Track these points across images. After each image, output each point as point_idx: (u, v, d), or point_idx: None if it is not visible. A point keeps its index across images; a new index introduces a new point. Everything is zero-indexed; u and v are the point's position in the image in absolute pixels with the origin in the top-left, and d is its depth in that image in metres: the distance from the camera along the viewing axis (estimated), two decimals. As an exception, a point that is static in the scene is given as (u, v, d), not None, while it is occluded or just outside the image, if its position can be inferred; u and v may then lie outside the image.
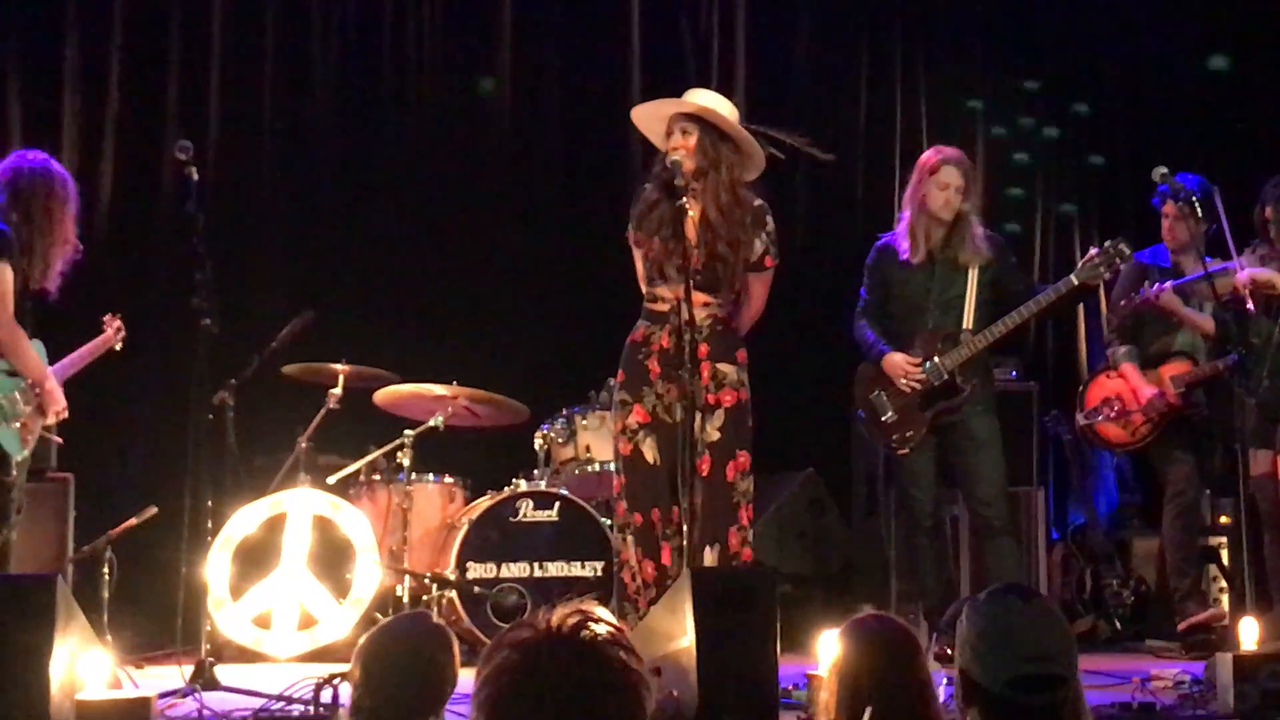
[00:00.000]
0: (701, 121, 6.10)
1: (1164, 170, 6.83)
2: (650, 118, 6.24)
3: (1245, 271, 6.93)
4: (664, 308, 6.10)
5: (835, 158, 6.51)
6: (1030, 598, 3.19)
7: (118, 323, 7.21)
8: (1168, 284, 7.41)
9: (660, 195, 6.08)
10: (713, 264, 6.07)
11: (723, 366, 6.12)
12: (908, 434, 7.15)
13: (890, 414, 7.17)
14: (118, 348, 7.22)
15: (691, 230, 5.96)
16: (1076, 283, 6.93)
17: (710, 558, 5.90)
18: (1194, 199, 7.30)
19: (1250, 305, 6.94)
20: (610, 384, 6.39)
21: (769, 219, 6.27)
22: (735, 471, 6.09)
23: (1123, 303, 7.68)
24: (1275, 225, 7.12)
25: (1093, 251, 7.00)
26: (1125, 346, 7.77)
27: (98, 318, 7.41)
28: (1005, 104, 10.50)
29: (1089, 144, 10.66)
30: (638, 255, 6.23)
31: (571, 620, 2.39)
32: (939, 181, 7.08)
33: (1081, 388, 8.15)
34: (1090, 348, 10.24)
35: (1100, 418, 7.81)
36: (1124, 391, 7.75)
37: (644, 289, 6.22)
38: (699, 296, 5.96)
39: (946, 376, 7.03)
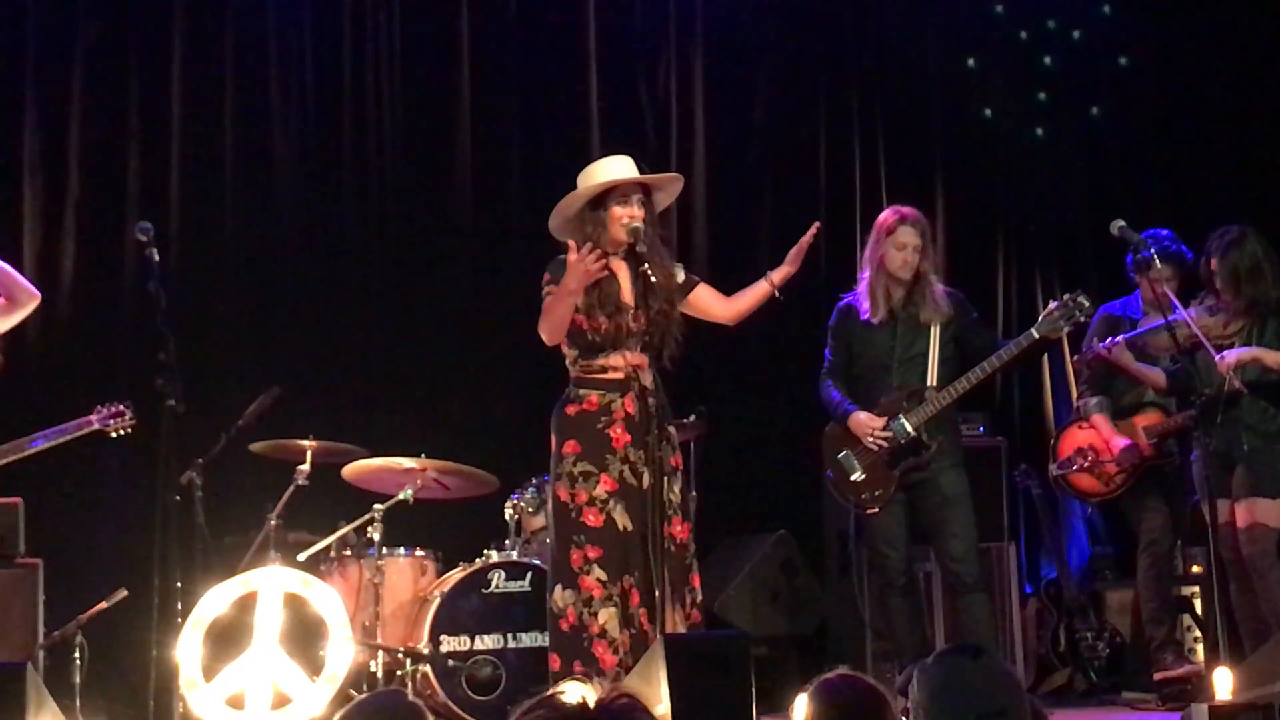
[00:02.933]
0: (646, 190, 6.21)
1: (1122, 223, 6.86)
2: (578, 199, 6.28)
3: (1232, 353, 6.98)
4: (618, 375, 6.14)
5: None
6: (978, 655, 3.21)
7: (113, 409, 7.13)
8: (1120, 338, 7.46)
9: (603, 271, 6.12)
10: (659, 324, 6.12)
11: (671, 429, 6.22)
12: (876, 493, 7.16)
13: (858, 473, 7.18)
14: (115, 435, 7.15)
15: (633, 295, 6.13)
16: (1037, 336, 6.98)
17: (675, 619, 5.91)
18: (1171, 252, 7.43)
19: (1238, 384, 6.98)
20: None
21: None
22: (687, 533, 6.14)
23: (1076, 357, 7.75)
24: (1220, 277, 7.18)
25: (1052, 305, 7.04)
26: (1096, 398, 7.83)
27: (61, 399, 7.39)
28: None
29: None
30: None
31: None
32: (896, 242, 7.13)
33: (1054, 439, 8.20)
34: (1056, 401, 10.27)
35: (1074, 468, 7.84)
36: (1096, 442, 7.79)
37: (578, 362, 6.23)
38: (647, 359, 6.13)
39: (912, 434, 7.05)
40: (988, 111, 10.57)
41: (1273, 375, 7.02)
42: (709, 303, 6.53)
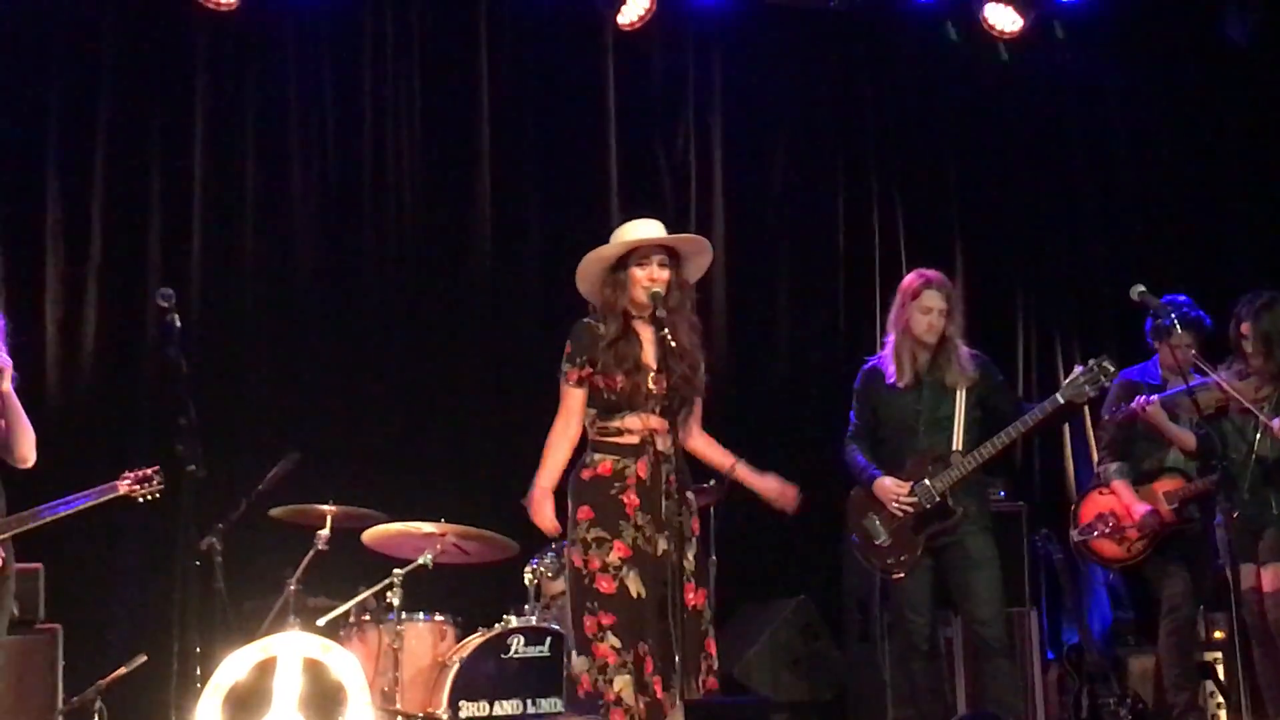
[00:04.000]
0: (672, 254, 6.18)
1: (1142, 288, 6.85)
2: (599, 259, 6.26)
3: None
4: (634, 439, 6.09)
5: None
6: None
7: (141, 474, 7.06)
8: (1154, 397, 7.44)
9: (620, 331, 6.11)
10: (678, 390, 6.08)
11: (690, 495, 6.12)
12: (902, 557, 7.13)
13: (884, 538, 7.15)
14: (144, 499, 7.07)
15: (655, 358, 6.04)
16: (1062, 401, 6.96)
17: (690, 687, 5.86)
18: (1190, 319, 7.43)
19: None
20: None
21: None
22: (703, 600, 6.08)
23: (1106, 418, 7.73)
24: (1250, 341, 7.16)
25: (1077, 370, 7.03)
26: (1117, 463, 7.79)
27: (82, 464, 7.39)
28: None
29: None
30: (580, 392, 6.17)
31: None
32: (922, 305, 7.12)
33: (1075, 505, 8.16)
34: (1077, 467, 10.25)
35: (1095, 534, 7.81)
36: (1117, 508, 7.76)
37: (596, 424, 6.18)
38: (666, 424, 6.02)
39: (938, 499, 7.02)
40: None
41: None
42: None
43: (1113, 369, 6.95)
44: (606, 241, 6.27)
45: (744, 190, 10.19)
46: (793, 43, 10.38)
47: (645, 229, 6.22)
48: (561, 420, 6.18)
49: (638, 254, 6.14)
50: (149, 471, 6.86)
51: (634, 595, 5.98)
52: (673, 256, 6.19)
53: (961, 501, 7.04)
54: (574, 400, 6.17)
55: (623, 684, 5.92)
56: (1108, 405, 7.82)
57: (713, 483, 8.07)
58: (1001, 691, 7.03)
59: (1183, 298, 7.58)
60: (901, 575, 7.14)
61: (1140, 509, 7.66)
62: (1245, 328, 7.19)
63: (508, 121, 9.72)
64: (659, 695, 5.92)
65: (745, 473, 6.41)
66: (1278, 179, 10.30)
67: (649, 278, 6.10)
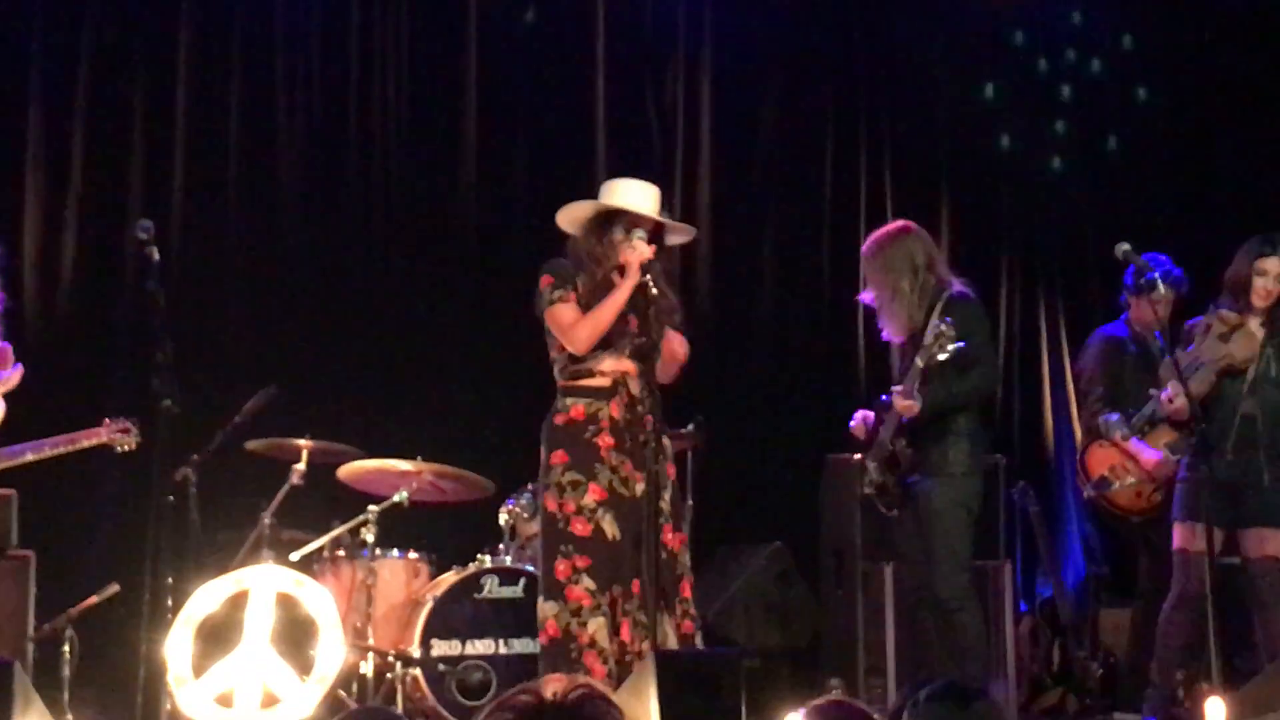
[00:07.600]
0: (658, 226, 6.20)
1: (1127, 246, 6.81)
2: (583, 209, 6.26)
3: None
4: (605, 382, 6.11)
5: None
6: (969, 700, 3.17)
7: (121, 425, 7.11)
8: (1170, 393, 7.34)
9: (605, 277, 6.11)
10: (653, 335, 6.08)
11: (666, 440, 6.16)
12: (889, 498, 7.09)
13: (878, 478, 7.12)
14: (122, 449, 7.13)
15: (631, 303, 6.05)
16: (921, 365, 6.79)
17: (664, 629, 5.87)
18: (1173, 276, 7.42)
19: None
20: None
21: None
22: (680, 543, 6.10)
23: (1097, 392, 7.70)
24: (1271, 279, 6.97)
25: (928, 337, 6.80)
26: (1117, 414, 7.73)
27: (58, 395, 7.35)
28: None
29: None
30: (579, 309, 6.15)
31: (575, 693, 2.40)
32: None
33: (1079, 459, 8.03)
34: (1056, 419, 10.23)
35: (1116, 485, 7.71)
36: (1125, 459, 7.68)
37: (567, 368, 6.18)
38: (638, 366, 6.07)
39: (890, 447, 6.96)
40: (1005, 140, 10.53)
41: None
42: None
43: (952, 332, 6.71)
44: (591, 189, 6.26)
45: (731, 140, 10.13)
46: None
47: (640, 194, 6.19)
48: (568, 331, 6.12)
49: (628, 218, 6.13)
50: (128, 424, 6.91)
51: (609, 538, 6.00)
52: (658, 229, 6.21)
53: (919, 448, 6.94)
54: (576, 313, 6.11)
55: (597, 627, 5.97)
56: (1091, 359, 7.85)
57: (690, 427, 8.08)
58: (953, 646, 6.93)
59: (1163, 256, 7.56)
60: (894, 513, 7.08)
61: (1151, 456, 7.57)
62: (1267, 264, 7.07)
63: (495, 64, 9.65)
64: (625, 638, 5.95)
65: None
66: (1268, 140, 10.26)
67: (639, 240, 6.10)
